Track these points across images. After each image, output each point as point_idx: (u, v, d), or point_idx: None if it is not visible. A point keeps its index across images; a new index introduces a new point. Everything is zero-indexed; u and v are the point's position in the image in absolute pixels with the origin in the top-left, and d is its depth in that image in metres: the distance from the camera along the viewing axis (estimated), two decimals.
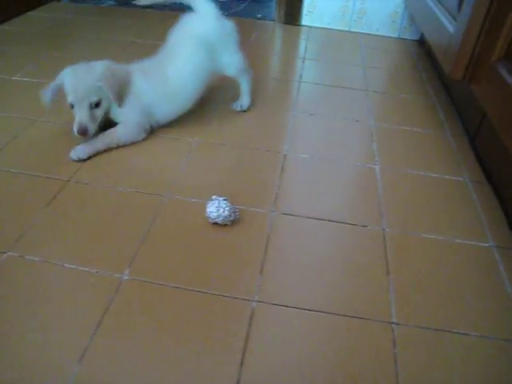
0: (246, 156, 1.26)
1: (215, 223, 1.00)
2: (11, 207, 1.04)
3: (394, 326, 0.82)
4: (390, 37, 2.26)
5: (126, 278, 0.88)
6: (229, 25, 1.39)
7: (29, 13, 2.27)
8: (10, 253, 0.92)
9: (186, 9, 1.37)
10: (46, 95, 1.21)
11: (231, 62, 1.41)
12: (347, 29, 2.30)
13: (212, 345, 0.77)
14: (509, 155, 1.13)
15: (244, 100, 1.49)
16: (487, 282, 0.92)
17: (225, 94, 1.58)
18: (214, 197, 1.01)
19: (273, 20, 2.39)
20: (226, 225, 1.00)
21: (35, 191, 1.08)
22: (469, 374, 0.76)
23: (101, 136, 1.23)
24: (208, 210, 0.99)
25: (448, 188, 1.18)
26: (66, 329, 0.78)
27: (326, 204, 1.10)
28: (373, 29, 2.27)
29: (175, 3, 1.40)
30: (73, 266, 0.90)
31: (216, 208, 0.98)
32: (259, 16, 2.45)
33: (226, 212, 0.98)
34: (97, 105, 1.20)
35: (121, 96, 1.23)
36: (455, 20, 1.28)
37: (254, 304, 0.84)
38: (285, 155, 1.27)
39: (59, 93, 1.21)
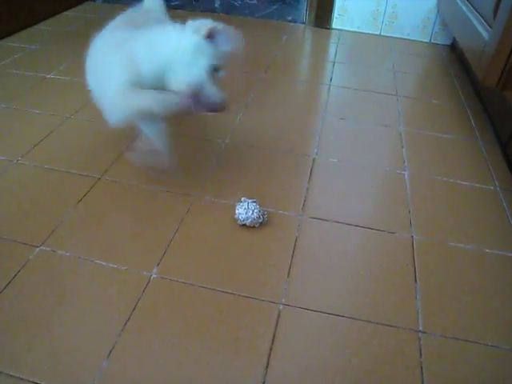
0: (274, 159, 1.26)
1: (244, 225, 1.01)
2: (44, 203, 1.06)
3: (420, 334, 0.81)
4: (422, 41, 2.24)
5: (155, 276, 0.89)
6: None
7: (64, 13, 2.32)
8: (42, 247, 0.94)
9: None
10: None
11: None
12: (378, 33, 2.28)
13: (238, 346, 0.78)
14: None
15: None
16: None
17: (248, 97, 1.59)
18: (243, 198, 1.02)
19: (303, 23, 2.39)
20: (254, 227, 1.01)
21: (67, 188, 1.10)
22: None
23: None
24: (237, 211, 1.00)
25: (478, 196, 1.17)
26: (95, 323, 0.80)
27: (354, 209, 1.10)
28: (404, 33, 2.25)
29: None
30: (103, 263, 0.91)
31: (245, 210, 0.99)
32: (289, 19, 2.45)
33: (255, 214, 0.99)
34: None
35: None
36: (490, 27, 1.27)
37: (281, 307, 0.85)
38: (314, 159, 1.27)
39: None
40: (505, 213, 1.11)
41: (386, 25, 2.25)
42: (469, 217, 1.10)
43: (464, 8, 1.59)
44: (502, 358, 0.79)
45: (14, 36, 1.98)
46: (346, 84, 1.74)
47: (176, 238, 0.98)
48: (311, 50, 2.17)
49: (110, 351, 0.76)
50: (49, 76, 1.64)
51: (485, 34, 1.28)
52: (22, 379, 0.71)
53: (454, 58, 2.06)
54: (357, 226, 1.05)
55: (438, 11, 2.12)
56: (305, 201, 1.11)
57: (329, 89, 1.69)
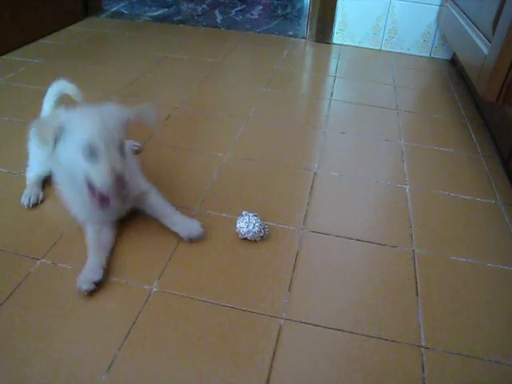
0: (275, 173, 1.27)
1: (245, 239, 1.01)
2: (45, 215, 1.07)
3: (422, 349, 0.81)
4: (422, 56, 2.26)
5: (155, 290, 0.89)
6: None
7: (68, 27, 2.34)
8: (43, 260, 0.94)
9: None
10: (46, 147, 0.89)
11: None
12: (378, 47, 2.30)
13: (239, 360, 0.77)
14: None
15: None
16: None
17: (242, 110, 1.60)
18: (244, 212, 1.02)
19: (304, 38, 2.41)
20: (255, 241, 1.01)
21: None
22: None
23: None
24: (238, 225, 1.00)
25: (480, 210, 1.17)
26: (95, 337, 0.80)
27: (356, 223, 1.10)
28: (404, 48, 2.27)
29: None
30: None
31: (246, 224, 0.99)
32: (290, 33, 2.48)
33: (256, 228, 0.99)
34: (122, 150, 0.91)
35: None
36: (489, 41, 1.28)
37: (282, 321, 0.84)
38: (315, 173, 1.27)
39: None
40: (507, 227, 1.11)
41: (386, 40, 2.27)
42: (470, 231, 1.10)
43: (463, 23, 1.60)
44: (506, 375, 0.78)
45: (18, 50, 2.00)
46: (347, 98, 1.75)
47: (177, 252, 0.98)
48: (312, 64, 2.19)
49: (110, 365, 0.75)
50: None
51: (484, 49, 1.29)
52: None
53: (454, 72, 2.08)
54: (358, 240, 1.05)
55: (438, 26, 2.14)
56: (306, 215, 1.11)
57: (330, 103, 1.70)
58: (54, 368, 0.74)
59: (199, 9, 2.83)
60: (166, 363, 0.76)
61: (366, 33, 2.28)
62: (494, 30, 1.25)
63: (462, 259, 1.01)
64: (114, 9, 2.72)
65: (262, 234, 1.00)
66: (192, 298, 0.88)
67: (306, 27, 2.41)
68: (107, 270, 0.92)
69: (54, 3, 2.22)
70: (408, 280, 0.95)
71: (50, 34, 2.22)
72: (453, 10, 1.83)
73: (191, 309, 0.86)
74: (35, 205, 1.09)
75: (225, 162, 1.29)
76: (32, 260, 0.94)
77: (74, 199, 0.98)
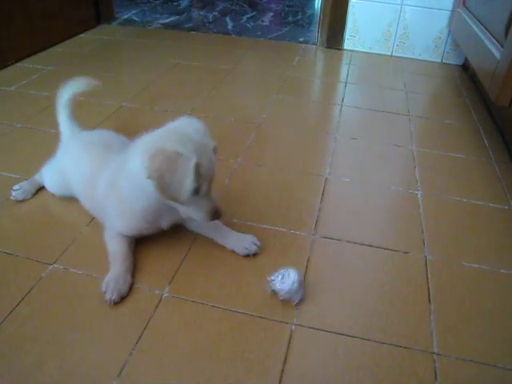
0: (286, 178, 1.27)
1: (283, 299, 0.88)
2: (57, 221, 1.08)
3: (435, 356, 0.80)
4: (433, 61, 2.25)
5: (166, 295, 0.89)
6: None
7: (80, 35, 2.37)
8: (55, 265, 0.95)
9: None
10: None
11: None
12: (389, 53, 2.30)
13: (250, 366, 0.77)
14: None
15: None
16: None
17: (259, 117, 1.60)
18: (282, 270, 0.89)
19: (315, 44, 2.41)
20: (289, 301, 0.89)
21: (78, 211, 1.10)
22: None
23: None
24: (278, 285, 0.87)
25: (493, 216, 1.16)
26: (106, 342, 0.80)
27: (367, 229, 1.10)
28: (415, 53, 2.26)
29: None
30: None
31: (288, 285, 0.86)
32: (301, 40, 2.48)
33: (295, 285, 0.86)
34: None
35: None
36: (502, 46, 1.27)
37: (293, 327, 0.84)
38: (326, 178, 1.27)
39: None
40: None
41: (397, 45, 2.26)
42: (483, 236, 1.09)
43: (475, 28, 1.60)
44: None
45: (31, 58, 2.03)
46: (358, 104, 1.75)
47: (188, 258, 0.98)
48: (323, 70, 2.19)
49: (121, 370, 0.75)
50: None
51: (497, 54, 1.28)
52: None
53: (466, 77, 2.07)
54: (369, 245, 1.04)
55: (450, 31, 2.13)
56: (317, 220, 1.11)
57: (341, 109, 1.70)
58: (66, 373, 0.74)
59: (210, 16, 2.85)
60: (176, 368, 0.76)
61: (376, 38, 2.27)
62: (506, 35, 1.24)
63: (474, 265, 1.00)
64: (126, 16, 2.74)
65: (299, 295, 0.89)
66: (203, 304, 0.88)
67: (316, 33, 2.41)
68: None
69: (66, 11, 2.25)
70: (420, 286, 0.94)
71: (62, 41, 2.25)
72: (464, 15, 1.82)
73: (202, 314, 0.86)
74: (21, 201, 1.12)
75: (236, 168, 1.30)
76: (44, 265, 0.94)
77: (136, 210, 0.93)
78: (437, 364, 0.79)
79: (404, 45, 2.26)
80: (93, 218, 1.07)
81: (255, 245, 0.99)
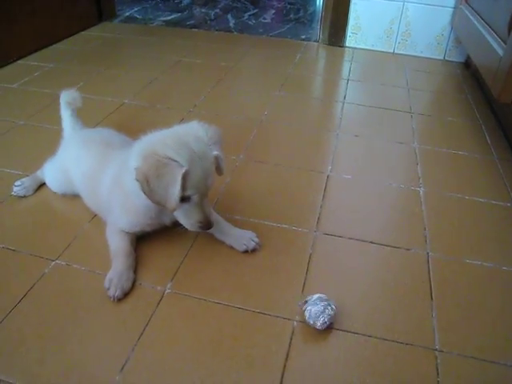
0: (288, 175, 1.27)
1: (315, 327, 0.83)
2: (60, 217, 1.08)
3: (437, 352, 0.80)
4: (435, 59, 2.24)
5: (168, 291, 0.89)
6: None
7: (82, 32, 2.36)
8: (57, 261, 0.95)
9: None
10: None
11: None
12: (391, 51, 2.29)
13: (252, 362, 0.77)
14: None
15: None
16: None
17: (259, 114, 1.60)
18: (315, 296, 0.85)
19: (317, 41, 2.41)
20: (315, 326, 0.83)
21: (81, 208, 1.11)
22: None
23: None
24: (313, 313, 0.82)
25: (495, 213, 1.15)
26: (108, 337, 0.80)
27: (369, 226, 1.09)
28: (417, 51, 2.25)
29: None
30: None
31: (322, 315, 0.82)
32: (303, 37, 2.48)
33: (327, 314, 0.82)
34: None
35: None
36: (505, 43, 1.27)
37: (295, 323, 0.84)
38: (328, 176, 1.27)
39: None
40: None
41: (399, 43, 2.26)
42: (485, 234, 1.09)
43: (478, 25, 1.59)
44: None
45: (33, 55, 2.03)
46: (360, 101, 1.75)
47: (190, 254, 0.98)
48: (325, 67, 2.18)
49: (123, 366, 0.75)
50: None
51: (499, 51, 1.28)
52: None
53: (468, 75, 2.06)
54: (371, 242, 1.04)
55: (452, 28, 2.12)
56: (319, 217, 1.11)
57: (343, 106, 1.70)
58: (68, 368, 0.75)
59: (212, 13, 2.84)
60: (178, 364, 0.76)
61: (379, 36, 2.27)
62: (509, 31, 1.24)
63: (476, 262, 1.00)
64: (128, 13, 2.74)
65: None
66: (205, 300, 0.88)
67: (318, 31, 2.40)
68: None
69: (68, 9, 2.25)
70: (422, 283, 0.94)
71: (64, 38, 2.24)
72: (467, 12, 1.81)
73: (204, 310, 0.86)
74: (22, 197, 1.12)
75: (238, 165, 1.30)
76: (46, 261, 0.95)
77: (139, 207, 0.93)
78: (439, 360, 0.79)
79: (406, 42, 2.25)
80: (95, 215, 1.07)
81: (254, 241, 0.99)
